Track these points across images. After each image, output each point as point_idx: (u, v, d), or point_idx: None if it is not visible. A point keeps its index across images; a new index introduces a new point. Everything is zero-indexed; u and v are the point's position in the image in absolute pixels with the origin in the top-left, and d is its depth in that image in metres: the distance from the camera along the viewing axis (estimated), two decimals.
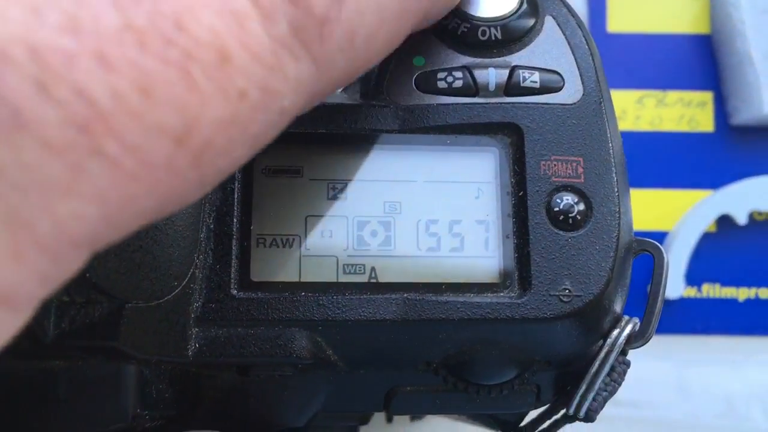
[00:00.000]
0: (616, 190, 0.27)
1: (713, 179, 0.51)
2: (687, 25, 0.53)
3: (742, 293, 0.50)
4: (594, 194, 0.26)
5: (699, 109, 0.52)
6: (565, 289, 0.26)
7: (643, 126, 0.51)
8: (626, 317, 0.28)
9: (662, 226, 0.51)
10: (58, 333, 0.22)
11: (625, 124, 0.51)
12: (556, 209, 0.26)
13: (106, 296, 0.22)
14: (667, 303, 0.49)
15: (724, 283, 0.50)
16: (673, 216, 0.50)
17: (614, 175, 0.27)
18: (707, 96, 0.52)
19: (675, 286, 0.49)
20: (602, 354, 0.27)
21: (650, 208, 0.51)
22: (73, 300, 0.22)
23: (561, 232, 0.26)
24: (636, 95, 0.52)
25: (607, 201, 0.27)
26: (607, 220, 0.26)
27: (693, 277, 0.50)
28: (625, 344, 0.28)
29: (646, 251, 0.28)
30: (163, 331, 0.24)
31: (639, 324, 0.28)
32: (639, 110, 0.52)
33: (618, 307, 0.27)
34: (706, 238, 0.50)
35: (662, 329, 0.50)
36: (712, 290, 0.50)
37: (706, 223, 0.49)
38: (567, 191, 0.26)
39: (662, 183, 0.51)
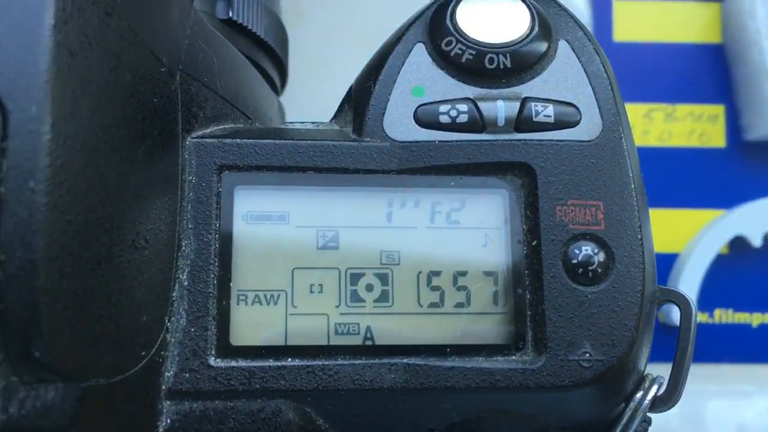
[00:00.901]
0: (639, 236, 0.24)
1: (726, 198, 0.48)
2: (697, 34, 0.50)
3: (756, 319, 0.48)
4: (616, 243, 0.24)
5: (710, 123, 0.49)
6: (585, 352, 0.23)
7: (652, 141, 0.49)
8: (650, 376, 0.25)
9: (672, 248, 0.48)
10: (5, 419, 0.19)
11: None
12: (574, 261, 0.24)
13: (60, 376, 0.19)
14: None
15: (738, 308, 0.48)
16: (684, 237, 0.48)
17: (638, 219, 0.24)
18: (719, 109, 0.49)
19: None
20: (624, 420, 0.25)
21: (659, 229, 0.48)
22: (22, 380, 0.19)
23: (579, 287, 0.24)
24: (644, 109, 0.49)
25: (631, 250, 0.24)
26: (631, 272, 0.24)
27: (705, 302, 0.47)
28: (650, 407, 0.25)
29: (672, 302, 0.26)
30: (130, 409, 0.21)
31: (664, 384, 0.25)
32: (647, 125, 0.49)
33: (642, 365, 0.25)
34: (718, 261, 0.47)
35: (672, 357, 0.47)
36: (724, 316, 0.48)
37: (718, 244, 0.47)
38: (586, 240, 0.24)
39: (672, 202, 0.48)
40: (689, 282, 0.47)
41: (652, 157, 0.49)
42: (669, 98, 0.49)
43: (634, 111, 0.49)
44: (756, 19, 0.47)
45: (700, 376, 0.47)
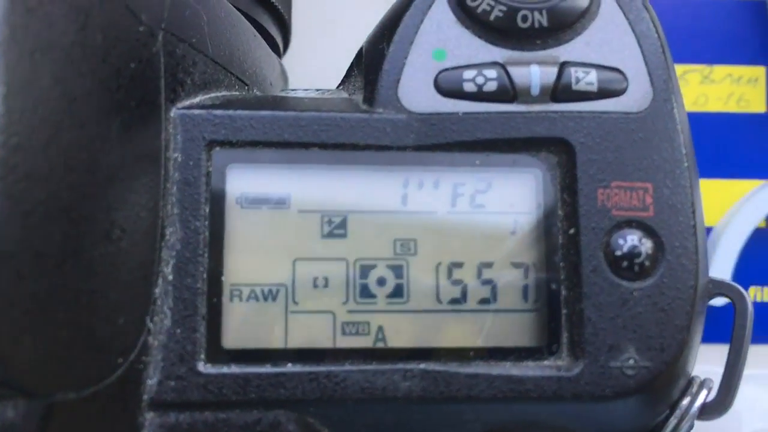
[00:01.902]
0: (693, 224, 0.22)
1: (765, 167, 0.46)
2: None
3: None
4: (666, 231, 0.21)
5: (750, 86, 0.46)
6: (630, 357, 0.21)
7: (686, 106, 0.45)
8: (698, 379, 0.23)
9: (707, 221, 0.45)
10: None
11: None
12: (618, 252, 0.21)
13: (19, 392, 0.17)
14: (710, 310, 0.44)
15: None
16: (720, 210, 0.46)
17: (691, 204, 0.21)
18: (760, 71, 0.46)
19: None
20: (669, 429, 0.22)
21: None
22: None
23: (624, 282, 0.21)
24: (678, 70, 0.46)
25: (683, 239, 0.22)
26: (683, 265, 0.21)
27: (739, 280, 0.44)
28: (699, 415, 0.22)
29: (726, 296, 0.23)
30: (105, 425, 0.19)
31: (714, 388, 0.23)
32: (681, 88, 0.45)
33: (692, 368, 0.22)
34: (757, 235, 0.45)
35: (704, 338, 0.44)
36: (759, 294, 0.45)
37: (757, 217, 0.44)
38: (632, 228, 0.22)
39: (707, 172, 0.46)
40: (724, 258, 0.44)
41: None
42: (705, 59, 0.46)
43: None
44: None
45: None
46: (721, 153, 0.46)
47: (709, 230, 0.46)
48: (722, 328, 0.44)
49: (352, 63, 0.24)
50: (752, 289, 0.46)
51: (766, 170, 0.45)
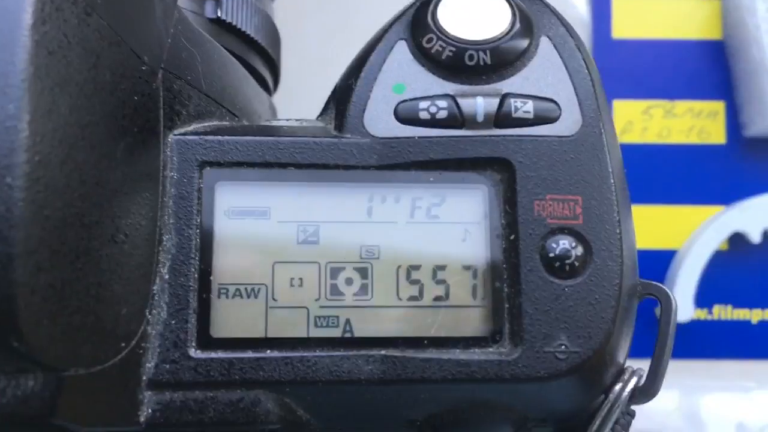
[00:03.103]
0: (618, 231, 0.24)
1: (725, 194, 0.48)
2: (697, 30, 0.50)
3: (756, 315, 0.47)
4: (594, 237, 0.24)
5: (710, 119, 0.49)
6: (561, 344, 0.23)
7: (651, 138, 0.49)
8: (630, 368, 0.25)
9: (671, 244, 0.48)
10: None
11: (631, 137, 0.48)
12: (552, 255, 0.24)
13: (38, 366, 0.20)
14: (677, 326, 0.47)
15: (737, 304, 0.48)
16: (683, 234, 0.48)
17: (616, 214, 0.24)
18: (719, 106, 0.49)
19: (684, 309, 0.46)
20: (604, 411, 0.25)
21: (658, 226, 0.48)
22: (1, 370, 0.20)
23: (557, 280, 0.24)
24: (643, 105, 0.49)
25: (609, 244, 0.24)
26: (609, 266, 0.24)
27: (703, 299, 0.47)
28: (629, 399, 0.25)
29: (652, 295, 0.26)
30: (110, 399, 0.21)
31: (644, 376, 0.26)
32: (646, 121, 0.49)
33: (621, 357, 0.25)
34: (717, 257, 0.47)
35: (672, 354, 0.47)
36: (723, 312, 0.48)
37: (717, 241, 0.47)
38: (563, 234, 0.24)
39: (671, 199, 0.48)
40: (688, 278, 0.47)
41: (651, 153, 0.49)
42: (668, 95, 0.49)
43: (633, 107, 0.49)
44: (756, 15, 0.46)
45: (699, 372, 0.47)
46: (684, 181, 0.48)
47: (673, 253, 0.48)
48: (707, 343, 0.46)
49: (328, 97, 0.27)
50: (716, 308, 0.48)
51: (725, 197, 0.48)
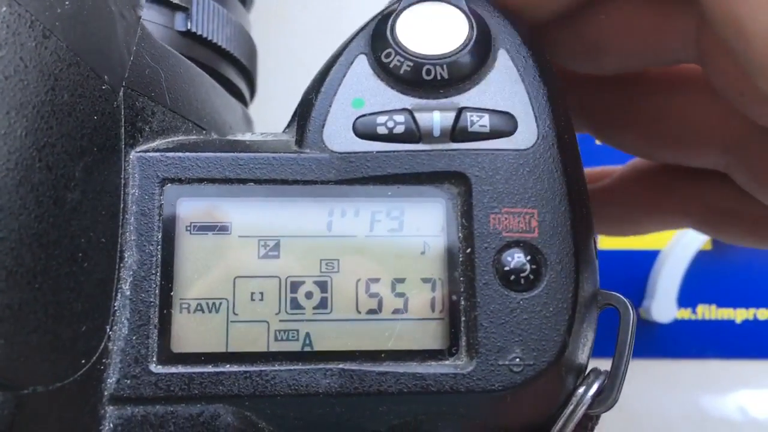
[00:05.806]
0: (572, 243, 0.24)
1: None
2: None
3: (740, 314, 0.48)
4: (549, 250, 0.24)
5: None
6: (516, 357, 0.23)
7: None
8: (594, 370, 0.26)
9: (654, 244, 0.48)
10: None
11: None
12: (507, 268, 0.24)
13: None
14: (660, 326, 0.47)
15: (721, 304, 0.48)
16: (666, 233, 0.48)
17: (571, 228, 0.24)
18: None
19: (668, 309, 0.46)
20: (566, 414, 0.25)
21: None
22: None
23: (512, 294, 0.24)
24: None
25: (564, 257, 0.24)
26: (563, 279, 0.24)
27: (687, 298, 0.47)
28: (590, 406, 0.25)
29: (611, 305, 0.26)
30: (71, 415, 0.22)
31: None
32: None
33: (582, 365, 0.25)
34: (701, 257, 0.47)
35: (654, 354, 0.47)
36: (707, 312, 0.48)
37: (700, 240, 0.47)
38: (518, 247, 0.24)
39: None
40: (672, 278, 0.47)
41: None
42: None
43: None
44: None
45: (685, 372, 0.48)
46: None
47: (656, 253, 0.48)
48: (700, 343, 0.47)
49: (295, 109, 0.28)
50: (700, 307, 0.48)
51: None
